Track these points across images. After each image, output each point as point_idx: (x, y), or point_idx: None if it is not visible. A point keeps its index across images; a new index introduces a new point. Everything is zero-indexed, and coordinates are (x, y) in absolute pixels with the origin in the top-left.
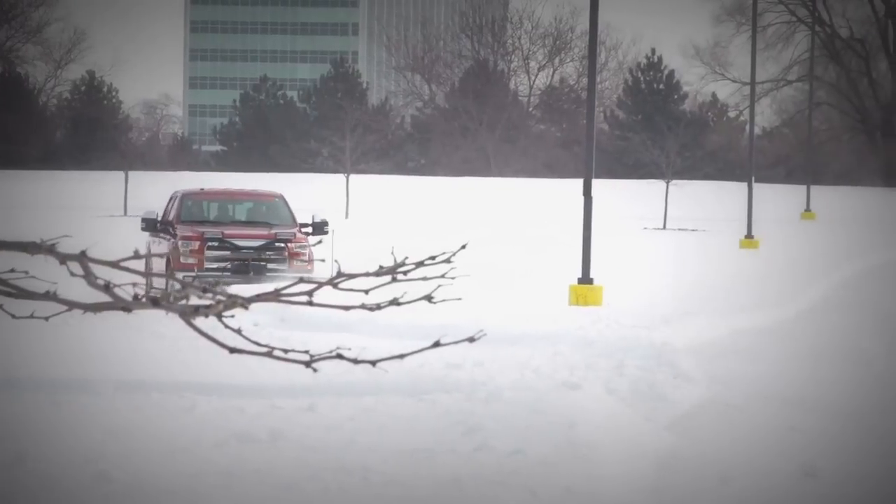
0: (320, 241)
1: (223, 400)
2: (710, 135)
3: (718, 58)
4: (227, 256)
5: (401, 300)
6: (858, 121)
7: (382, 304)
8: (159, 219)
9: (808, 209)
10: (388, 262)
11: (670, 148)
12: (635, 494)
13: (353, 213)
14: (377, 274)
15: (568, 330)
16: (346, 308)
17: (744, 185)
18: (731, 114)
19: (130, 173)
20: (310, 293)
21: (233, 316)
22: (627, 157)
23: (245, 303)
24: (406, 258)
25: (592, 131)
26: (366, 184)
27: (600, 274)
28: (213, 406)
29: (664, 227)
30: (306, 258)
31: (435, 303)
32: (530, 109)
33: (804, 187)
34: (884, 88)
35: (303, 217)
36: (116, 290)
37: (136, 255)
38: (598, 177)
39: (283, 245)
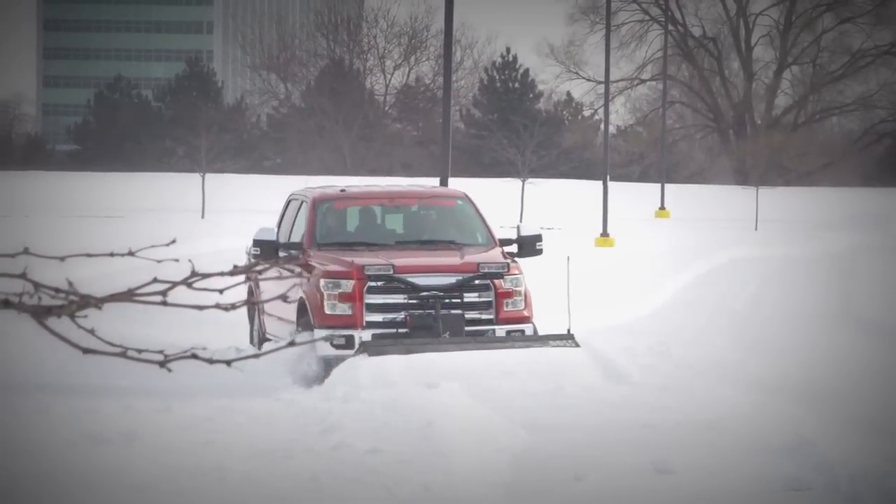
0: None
1: (77, 401)
2: (566, 133)
3: (573, 57)
4: (404, 305)
5: (256, 299)
6: (711, 119)
7: (238, 304)
8: (279, 240)
9: (662, 207)
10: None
11: (526, 147)
12: (490, 491)
13: (209, 212)
14: (232, 273)
15: None
16: (201, 308)
17: (599, 184)
18: (586, 113)
19: None
20: (164, 293)
21: (85, 316)
22: (483, 156)
23: (98, 303)
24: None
25: (448, 130)
26: (222, 183)
27: None
28: (68, 407)
29: None
30: (522, 301)
31: (290, 302)
32: (386, 108)
33: (658, 186)
34: (736, 87)
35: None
36: None
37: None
38: (454, 175)
39: (487, 283)
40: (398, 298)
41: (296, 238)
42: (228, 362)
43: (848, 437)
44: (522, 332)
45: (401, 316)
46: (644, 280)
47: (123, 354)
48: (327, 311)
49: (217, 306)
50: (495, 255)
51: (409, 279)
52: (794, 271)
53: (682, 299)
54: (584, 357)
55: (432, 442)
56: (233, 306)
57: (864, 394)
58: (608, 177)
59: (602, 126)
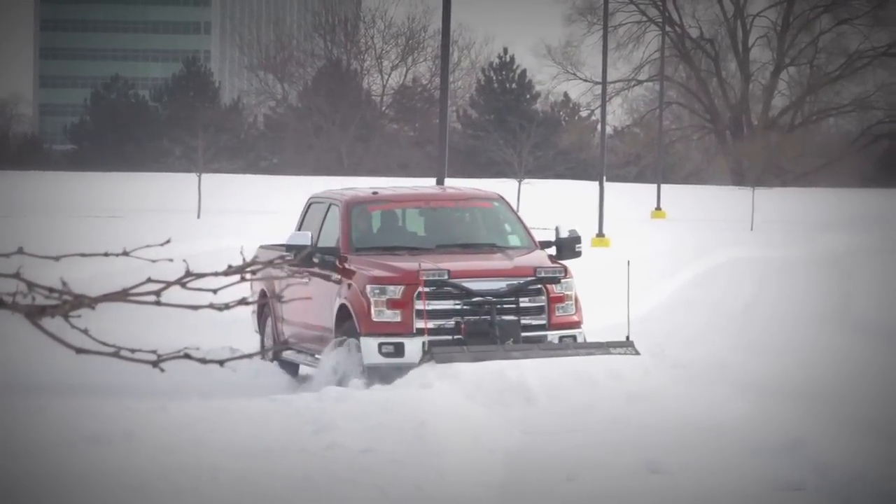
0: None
1: (74, 401)
2: (562, 134)
3: (570, 57)
4: (457, 311)
5: (250, 299)
6: (708, 120)
7: (231, 304)
8: (315, 244)
9: (658, 208)
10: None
11: (522, 147)
12: (483, 491)
13: (205, 212)
14: (226, 273)
15: None
16: (195, 308)
17: (595, 185)
18: (583, 113)
19: None
20: (158, 293)
21: (79, 316)
22: (480, 157)
23: (92, 303)
24: (256, 257)
25: (445, 131)
26: (218, 183)
27: None
28: (65, 407)
29: None
30: (573, 306)
31: (284, 302)
32: (383, 109)
33: (654, 186)
34: (733, 88)
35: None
36: None
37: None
38: (451, 176)
39: (540, 288)
40: (449, 304)
41: (324, 242)
42: (221, 362)
43: (844, 439)
44: (574, 337)
45: (454, 322)
46: (640, 281)
47: (117, 354)
48: (374, 318)
49: (211, 306)
50: (543, 258)
51: (464, 284)
52: (792, 272)
53: (679, 300)
54: (584, 357)
55: (425, 442)
56: (226, 306)
57: (861, 395)
58: (604, 177)
59: (599, 127)
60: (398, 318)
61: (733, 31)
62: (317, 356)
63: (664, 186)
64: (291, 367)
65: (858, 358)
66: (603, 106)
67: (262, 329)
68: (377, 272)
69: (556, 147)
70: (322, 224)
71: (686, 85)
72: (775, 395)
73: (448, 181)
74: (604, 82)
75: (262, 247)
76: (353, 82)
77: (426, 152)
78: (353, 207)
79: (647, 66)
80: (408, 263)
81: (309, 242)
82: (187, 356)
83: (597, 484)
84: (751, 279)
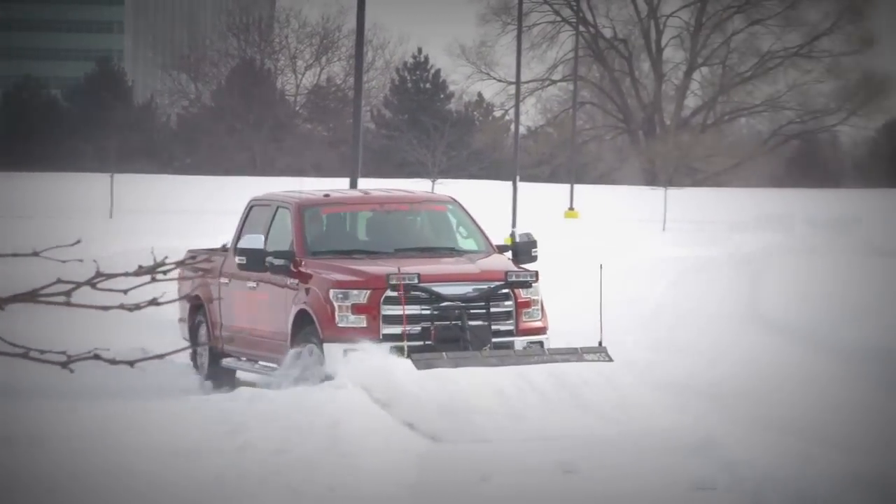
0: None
1: None
2: (476, 134)
3: (484, 57)
4: (425, 316)
5: (160, 300)
6: (621, 120)
7: (142, 304)
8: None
9: (571, 208)
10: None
11: (436, 147)
12: (396, 491)
13: (117, 212)
14: (136, 274)
15: None
16: (105, 308)
17: (508, 185)
18: (497, 113)
19: None
20: (68, 293)
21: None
22: (394, 157)
23: (0, 304)
24: (166, 258)
25: (359, 130)
26: (131, 183)
27: None
28: None
29: None
30: (539, 311)
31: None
32: (297, 109)
33: (567, 186)
34: (646, 88)
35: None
36: None
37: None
38: (364, 176)
39: (509, 292)
40: (417, 309)
41: (273, 246)
42: (132, 363)
43: (755, 437)
44: (541, 343)
45: (418, 328)
46: (553, 281)
47: (26, 355)
48: (339, 324)
49: (122, 307)
50: (507, 262)
51: (434, 288)
52: (702, 272)
53: (592, 300)
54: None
55: (338, 443)
56: (137, 307)
57: (771, 393)
58: (518, 177)
59: (512, 126)
60: (363, 324)
61: (647, 32)
62: (262, 363)
63: (577, 186)
64: (228, 376)
65: (769, 357)
66: (517, 106)
67: (193, 337)
68: (340, 276)
69: (470, 147)
70: (269, 227)
71: (599, 85)
72: (687, 394)
73: (361, 181)
74: (518, 82)
75: (191, 251)
76: (267, 82)
77: (340, 152)
78: (306, 210)
79: (560, 66)
80: (372, 267)
81: (262, 246)
82: (97, 357)
83: (510, 484)
84: (662, 279)
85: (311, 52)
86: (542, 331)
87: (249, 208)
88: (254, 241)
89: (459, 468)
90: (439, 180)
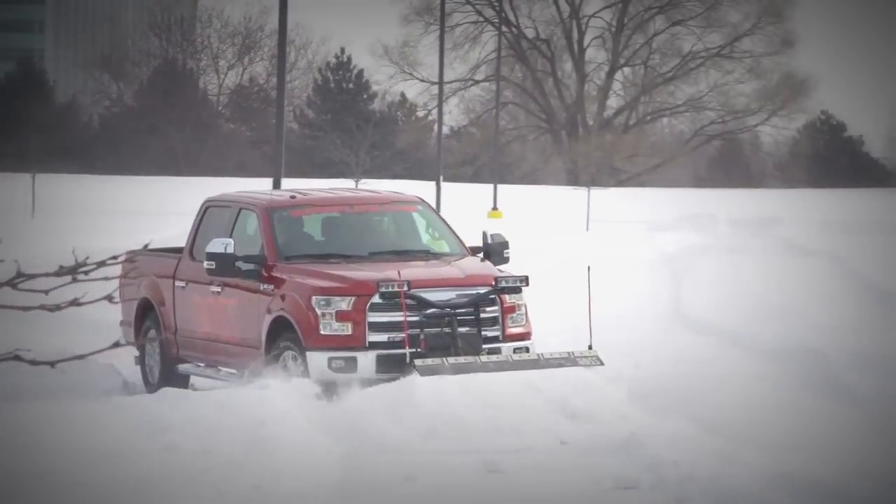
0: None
1: None
2: (399, 134)
3: (407, 58)
4: (418, 323)
5: (81, 300)
6: (544, 120)
7: (63, 305)
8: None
9: (494, 208)
10: (70, 262)
11: (359, 147)
12: (321, 490)
13: (39, 213)
14: (57, 274)
15: None
16: (26, 309)
17: (432, 185)
18: (420, 113)
19: None
20: None
21: None
22: (317, 156)
23: None
24: (87, 258)
25: (282, 130)
26: (52, 183)
27: None
28: None
29: None
30: (524, 316)
31: (116, 302)
32: (220, 109)
33: (491, 186)
34: (569, 88)
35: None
36: None
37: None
38: (288, 176)
39: (495, 298)
40: (402, 316)
41: (237, 250)
42: (52, 363)
43: (678, 437)
44: (526, 349)
45: (401, 336)
46: None
47: None
48: (323, 332)
49: (42, 307)
50: (490, 266)
51: (423, 295)
52: (625, 272)
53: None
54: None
55: (263, 442)
56: (58, 307)
57: (694, 393)
58: (441, 177)
59: (436, 127)
60: (348, 331)
61: (569, 32)
62: (225, 370)
63: (500, 186)
64: (181, 382)
65: (692, 356)
66: (440, 106)
67: (141, 339)
68: (322, 282)
69: (394, 147)
70: (231, 230)
71: (522, 85)
72: (610, 393)
73: (284, 181)
74: (440, 82)
75: (132, 252)
76: (190, 82)
77: (263, 152)
78: (275, 213)
79: (483, 67)
80: (353, 273)
81: (232, 250)
82: (17, 358)
83: (434, 483)
84: (584, 279)
85: (233, 52)
86: (527, 336)
87: (204, 210)
88: (223, 244)
89: (384, 468)
90: (363, 180)
